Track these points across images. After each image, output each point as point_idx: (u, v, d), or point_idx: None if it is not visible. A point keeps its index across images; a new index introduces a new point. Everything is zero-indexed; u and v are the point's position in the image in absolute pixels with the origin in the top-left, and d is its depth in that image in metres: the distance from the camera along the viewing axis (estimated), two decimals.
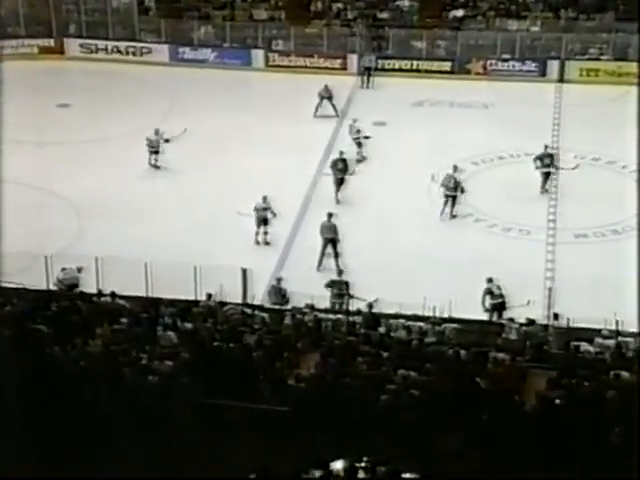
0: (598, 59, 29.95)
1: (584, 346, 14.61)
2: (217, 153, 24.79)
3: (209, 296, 16.49)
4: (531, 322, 15.55)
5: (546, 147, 22.81)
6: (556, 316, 15.98)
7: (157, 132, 23.74)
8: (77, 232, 20.92)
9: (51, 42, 32.11)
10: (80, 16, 32.52)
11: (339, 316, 16.01)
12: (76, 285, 17.61)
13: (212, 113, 27.16)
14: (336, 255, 19.60)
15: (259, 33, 31.79)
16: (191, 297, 16.78)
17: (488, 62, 30.33)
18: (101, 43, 32.07)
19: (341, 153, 22.39)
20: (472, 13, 31.39)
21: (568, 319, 15.54)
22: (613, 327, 15.16)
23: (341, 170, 22.10)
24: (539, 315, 16.36)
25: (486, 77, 30.16)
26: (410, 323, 15.46)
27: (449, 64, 30.49)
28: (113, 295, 16.42)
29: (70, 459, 11.58)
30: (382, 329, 15.21)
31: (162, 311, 15.67)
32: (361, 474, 8.81)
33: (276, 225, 20.54)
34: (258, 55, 31.50)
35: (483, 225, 21.43)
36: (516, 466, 11.34)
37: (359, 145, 24.36)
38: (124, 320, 15.20)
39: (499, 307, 17.25)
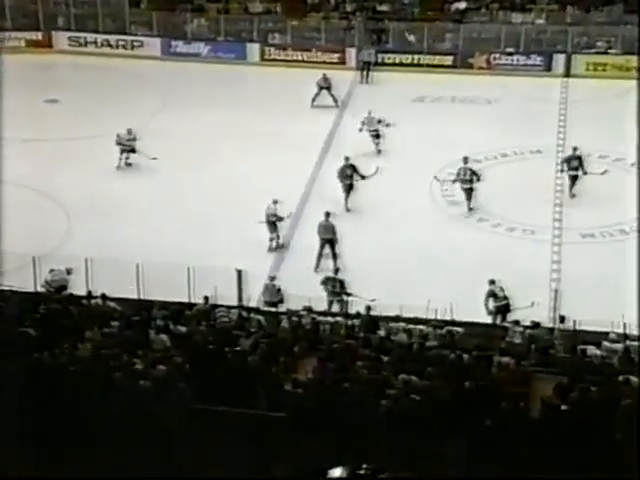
0: (606, 53, 29.97)
1: (591, 350, 14.64)
2: (211, 150, 24.80)
3: (206, 299, 16.51)
4: (536, 325, 15.57)
5: (575, 149, 22.32)
6: (562, 319, 16.00)
7: (130, 132, 23.68)
8: (66, 232, 20.93)
9: (39, 35, 32.09)
10: (69, 8, 32.44)
11: (338, 319, 16.04)
12: (65, 287, 17.59)
13: (206, 109, 27.17)
14: (334, 256, 19.63)
15: (254, 26, 31.78)
16: (185, 299, 16.80)
17: (492, 56, 30.35)
18: (90, 36, 32.03)
19: (347, 159, 21.90)
20: (475, 5, 31.39)
21: (574, 322, 15.56)
22: (621, 330, 15.19)
23: (350, 176, 21.70)
24: (544, 318, 16.40)
25: (489, 72, 30.19)
26: (411, 326, 15.49)
27: (451, 58, 30.52)
28: (104, 297, 16.43)
29: (57, 468, 11.63)
30: (382, 332, 15.23)
31: (154, 314, 15.69)
32: None
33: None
34: (253, 49, 31.50)
35: (486, 225, 21.47)
36: (520, 475, 11.38)
37: (377, 137, 24.47)
38: (115, 323, 15.22)
39: (503, 310, 17.28)
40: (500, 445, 11.58)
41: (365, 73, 29.85)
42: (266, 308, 17.20)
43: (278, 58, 31.30)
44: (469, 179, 21.68)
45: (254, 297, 17.79)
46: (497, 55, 30.37)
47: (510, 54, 30.33)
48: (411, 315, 15.87)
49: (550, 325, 16.02)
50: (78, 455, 11.77)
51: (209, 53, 31.66)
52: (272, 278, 18.21)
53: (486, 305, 17.33)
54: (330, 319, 16.02)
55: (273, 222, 20.20)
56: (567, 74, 29.68)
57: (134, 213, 21.71)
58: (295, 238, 20.81)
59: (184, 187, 22.96)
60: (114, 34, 32.04)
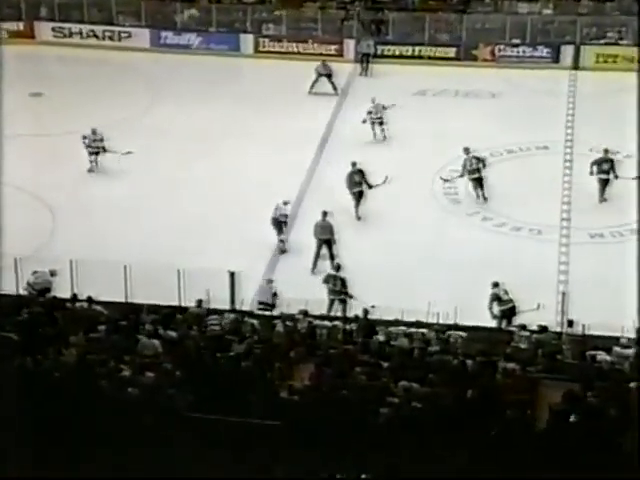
0: (616, 44, 30.02)
1: (601, 355, 14.66)
2: (204, 146, 24.81)
3: (199, 302, 16.51)
4: (543, 329, 15.58)
5: (606, 151, 22.12)
6: (570, 323, 16.01)
7: (94, 132, 23.47)
8: (50, 232, 20.94)
9: (20, 26, 32.07)
10: None
11: (335, 323, 16.04)
12: (49, 289, 17.59)
13: (197, 103, 27.21)
14: (332, 257, 19.63)
15: (248, 16, 31.81)
16: (175, 303, 16.80)
17: (496, 48, 30.40)
18: (75, 27, 32.03)
19: (354, 165, 21.57)
20: None
21: (583, 326, 15.59)
22: (633, 335, 15.21)
23: (359, 183, 21.40)
24: (552, 322, 16.40)
25: (494, 64, 30.24)
26: (412, 330, 15.50)
27: (454, 50, 30.56)
28: (89, 300, 16.43)
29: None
30: (382, 337, 15.24)
31: (143, 318, 15.68)
32: None
33: (268, 225, 20.50)
34: (247, 40, 31.52)
35: (491, 224, 21.49)
36: None
37: (380, 124, 24.60)
38: (101, 328, 15.22)
39: (508, 313, 17.30)
40: (505, 456, 11.58)
41: (364, 65, 29.90)
42: (260, 312, 17.20)
43: (273, 50, 31.34)
44: (476, 168, 21.83)
45: (248, 300, 17.80)
46: (502, 47, 30.41)
47: (516, 45, 30.38)
48: (412, 319, 15.89)
49: (558, 329, 16.05)
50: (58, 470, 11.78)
51: (200, 45, 31.68)
52: (269, 281, 18.21)
53: (490, 309, 17.34)
54: (327, 323, 16.02)
55: (281, 223, 20.24)
56: (575, 66, 29.73)
57: (122, 212, 21.69)
58: (291, 238, 20.80)
59: (175, 185, 22.97)
60: (100, 24, 32.03)
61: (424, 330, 15.50)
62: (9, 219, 20.42)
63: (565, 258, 20.14)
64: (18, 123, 25.16)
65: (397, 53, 30.72)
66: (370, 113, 24.80)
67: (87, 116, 25.84)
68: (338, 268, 18.47)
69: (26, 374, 13.27)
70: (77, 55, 30.72)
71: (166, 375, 13.41)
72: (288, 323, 15.86)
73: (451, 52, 30.60)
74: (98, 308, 16.23)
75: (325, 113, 26.87)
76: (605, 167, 21.96)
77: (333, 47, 30.97)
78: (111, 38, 31.94)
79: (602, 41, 30.21)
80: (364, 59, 29.90)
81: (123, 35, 31.95)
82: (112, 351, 14.16)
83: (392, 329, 15.57)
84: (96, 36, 31.96)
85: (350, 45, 30.77)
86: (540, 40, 30.41)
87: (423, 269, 19.42)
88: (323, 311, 17.30)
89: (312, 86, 27.85)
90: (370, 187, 21.42)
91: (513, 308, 17.28)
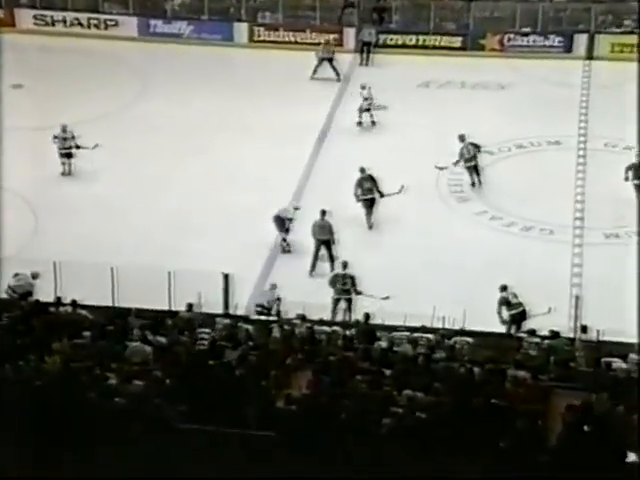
0: (632, 32, 29.99)
1: (616, 363, 14.67)
2: (196, 140, 24.83)
3: (190, 306, 16.52)
4: (555, 335, 15.60)
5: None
6: (584, 328, 16.04)
7: (64, 129, 23.23)
8: (32, 233, 20.94)
9: (0, 13, 32.08)
10: None
11: (335, 328, 16.05)
12: (30, 293, 17.61)
13: (189, 95, 27.20)
14: (331, 258, 19.66)
15: (242, 3, 31.81)
16: (165, 307, 16.81)
17: (505, 37, 30.39)
18: (58, 15, 31.95)
19: (362, 170, 21.34)
20: None
21: (598, 331, 15.62)
22: None
23: (370, 190, 21.18)
24: (564, 327, 16.42)
25: (503, 54, 30.23)
26: (416, 336, 15.51)
27: (460, 39, 30.56)
28: (74, 304, 16.44)
29: None
30: (384, 343, 15.25)
31: (131, 323, 15.68)
32: None
33: (265, 223, 20.49)
34: (241, 29, 31.51)
35: (499, 224, 21.52)
36: None
37: (368, 110, 25.22)
38: (87, 333, 15.21)
39: (518, 318, 17.32)
40: (515, 469, 11.58)
41: (365, 55, 29.91)
42: (256, 317, 17.20)
43: (269, 39, 31.31)
44: (473, 155, 22.34)
45: (242, 304, 17.80)
46: (511, 36, 30.40)
47: (526, 34, 30.36)
48: (416, 324, 15.89)
49: (571, 335, 16.07)
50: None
51: (192, 33, 31.63)
52: (273, 287, 18.20)
53: (499, 314, 17.35)
54: (326, 328, 16.05)
55: (284, 221, 20.30)
56: (589, 56, 29.70)
57: (110, 211, 21.73)
58: (289, 237, 20.77)
59: (164, 182, 23.00)
60: (85, 12, 31.94)
61: (429, 336, 15.52)
62: None
63: (578, 260, 20.17)
64: None
65: (400, 42, 30.69)
66: (366, 99, 25.22)
67: (71, 109, 25.87)
68: (345, 266, 18.44)
69: (5, 382, 13.27)
70: (60, 45, 30.67)
71: (155, 383, 13.41)
72: (285, 328, 15.87)
73: (457, 41, 30.56)
74: (83, 312, 16.25)
75: (324, 105, 26.89)
76: None
77: (332, 36, 30.93)
78: (97, 26, 31.89)
79: (618, 29, 30.21)
80: (365, 48, 29.90)
81: (109, 23, 31.89)
82: (98, 358, 14.16)
83: (395, 335, 15.60)
84: (81, 24, 31.90)
85: (350, 34, 30.73)
86: (552, 29, 30.36)
87: (428, 271, 19.44)
88: (322, 315, 17.29)
89: (314, 71, 28.15)
90: (382, 195, 21.22)
91: (523, 312, 17.31)
